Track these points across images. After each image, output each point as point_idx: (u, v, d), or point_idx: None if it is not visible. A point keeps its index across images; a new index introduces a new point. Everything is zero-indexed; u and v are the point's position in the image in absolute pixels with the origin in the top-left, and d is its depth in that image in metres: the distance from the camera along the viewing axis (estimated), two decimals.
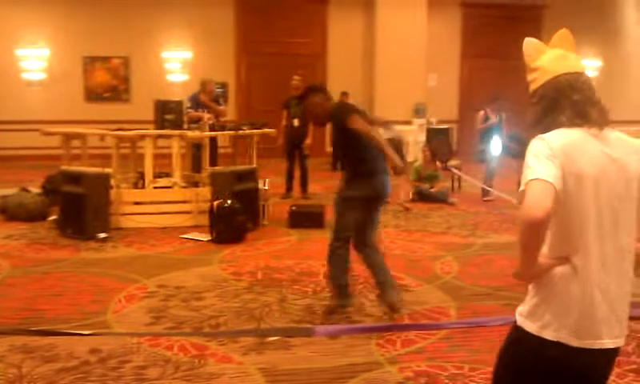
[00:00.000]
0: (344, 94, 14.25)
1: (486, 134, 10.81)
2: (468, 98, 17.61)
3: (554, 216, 1.99)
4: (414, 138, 15.43)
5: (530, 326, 2.12)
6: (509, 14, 17.49)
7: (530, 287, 2.17)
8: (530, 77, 2.23)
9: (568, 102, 2.10)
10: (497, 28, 17.39)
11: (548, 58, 2.19)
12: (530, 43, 2.26)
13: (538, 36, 2.30)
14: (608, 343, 2.08)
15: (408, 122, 15.66)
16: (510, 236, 7.86)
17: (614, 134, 2.11)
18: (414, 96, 15.87)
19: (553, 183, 1.95)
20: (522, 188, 1.99)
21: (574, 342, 2.05)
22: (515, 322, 2.20)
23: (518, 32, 18.98)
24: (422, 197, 10.31)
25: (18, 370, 3.93)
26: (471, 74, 17.67)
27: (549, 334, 2.08)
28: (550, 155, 1.99)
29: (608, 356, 2.13)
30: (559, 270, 2.07)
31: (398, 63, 15.65)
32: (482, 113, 10.96)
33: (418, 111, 16.15)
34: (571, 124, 2.07)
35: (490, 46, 17.43)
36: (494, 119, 10.79)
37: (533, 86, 2.21)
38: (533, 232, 1.96)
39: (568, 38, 2.23)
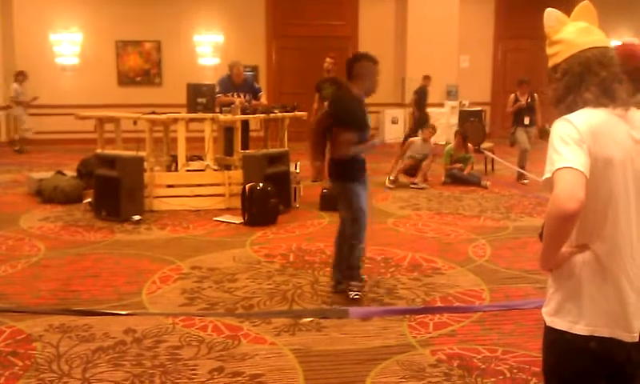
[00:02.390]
0: (426, 77, 14.31)
1: (517, 116, 10.72)
2: (501, 80, 17.44)
3: None
4: (447, 120, 15.33)
5: (561, 324, 2.00)
6: None
7: (550, 282, 2.05)
8: (550, 50, 2.06)
9: (595, 79, 1.94)
10: (530, 9, 17.07)
11: (572, 30, 2.03)
12: (551, 13, 2.09)
13: (570, 16, 2.15)
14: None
15: (440, 105, 15.56)
16: (543, 219, 7.77)
17: (638, 115, 1.98)
18: (446, 78, 15.76)
19: (584, 172, 1.82)
20: (547, 175, 1.87)
21: (607, 333, 1.94)
22: (545, 324, 2.08)
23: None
24: (454, 179, 10.24)
25: (56, 349, 4.00)
26: (505, 56, 17.47)
27: (581, 329, 1.96)
28: (578, 140, 1.85)
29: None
30: (581, 260, 1.95)
31: (430, 45, 15.52)
32: (512, 96, 10.88)
33: (451, 93, 16.03)
34: (597, 103, 1.92)
35: (524, 27, 17.16)
36: (523, 102, 10.65)
37: (555, 60, 2.03)
38: (565, 224, 1.84)
39: (591, 11, 2.08)
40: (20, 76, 14.45)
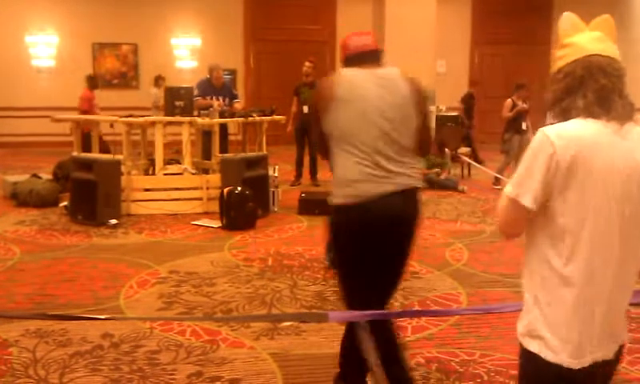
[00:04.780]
0: (473, 83, 14.50)
1: (514, 122, 10.39)
2: (479, 85, 17.55)
3: (550, 223, 1.89)
4: None
5: (532, 345, 1.96)
6: (519, 0, 17.38)
7: (526, 298, 2.01)
8: (558, 53, 2.02)
9: (594, 85, 1.88)
10: (507, 14, 17.31)
11: (584, 37, 1.98)
12: (568, 18, 2.05)
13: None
14: (609, 354, 1.94)
15: None
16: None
17: (636, 130, 1.89)
18: (423, 83, 15.78)
19: (529, 207, 1.86)
20: (508, 189, 1.91)
21: (575, 365, 1.88)
22: (520, 344, 2.03)
23: (528, 18, 18.94)
24: (431, 184, 10.29)
25: (32, 354, 3.96)
26: (482, 61, 17.61)
27: (549, 356, 1.90)
28: (548, 159, 1.82)
29: (610, 364, 1.98)
30: (554, 282, 1.90)
31: (407, 50, 15.54)
32: (509, 101, 10.50)
33: (427, 98, 16.10)
34: (588, 112, 1.86)
35: (500, 33, 17.37)
36: (526, 106, 10.39)
37: (559, 63, 1.99)
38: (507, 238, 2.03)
39: (610, 25, 2.01)
40: (160, 80, 14.21)
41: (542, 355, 1.92)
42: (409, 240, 3.20)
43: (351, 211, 3.08)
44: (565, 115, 1.91)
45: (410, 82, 3.17)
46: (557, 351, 1.90)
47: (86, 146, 9.37)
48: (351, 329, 3.35)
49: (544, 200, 1.87)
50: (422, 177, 3.30)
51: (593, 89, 1.88)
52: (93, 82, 12.60)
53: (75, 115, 10.06)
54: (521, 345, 2.01)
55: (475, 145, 13.41)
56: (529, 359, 1.99)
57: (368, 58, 3.23)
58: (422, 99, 3.20)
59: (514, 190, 1.91)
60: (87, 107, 11.92)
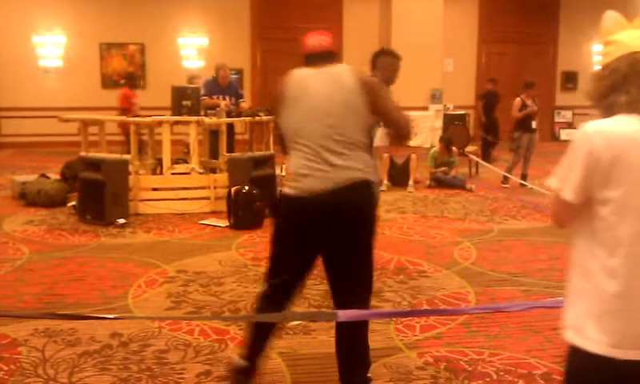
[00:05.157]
0: (492, 80, 14.23)
1: (524, 121, 10.31)
2: (485, 84, 17.51)
3: (594, 216, 1.90)
4: (431, 123, 15.38)
5: (575, 338, 1.95)
6: None
7: (569, 290, 2.00)
8: (603, 50, 2.05)
9: (637, 82, 1.90)
10: (514, 13, 17.26)
11: (628, 34, 1.98)
12: (611, 15, 2.06)
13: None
14: None
15: (424, 108, 15.61)
16: (528, 222, 7.83)
17: None
18: (430, 82, 15.80)
19: (573, 202, 1.90)
20: (552, 182, 1.94)
21: (619, 355, 1.86)
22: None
23: (536, 17, 18.88)
24: (438, 183, 10.29)
25: (42, 353, 3.97)
26: (489, 59, 17.56)
27: (593, 347, 1.89)
28: (587, 155, 1.85)
29: None
30: (598, 274, 1.90)
31: (414, 48, 15.53)
32: (518, 100, 10.41)
33: (435, 97, 16.08)
34: (631, 109, 1.89)
35: (508, 31, 17.32)
36: (535, 107, 10.35)
37: (605, 60, 2.01)
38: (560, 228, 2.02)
39: None
40: (195, 79, 14.12)
41: (585, 347, 1.91)
42: (357, 234, 3.23)
43: (295, 202, 3.21)
44: (609, 111, 1.94)
45: (357, 76, 3.23)
46: (600, 343, 1.88)
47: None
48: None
49: (586, 194, 1.90)
50: (372, 170, 3.35)
51: (637, 85, 1.90)
52: (132, 80, 12.50)
53: (82, 115, 10.07)
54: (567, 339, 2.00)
55: (492, 142, 13.25)
56: (572, 352, 1.98)
57: (320, 57, 3.35)
58: (371, 91, 3.22)
59: (557, 184, 1.96)
60: (127, 106, 11.92)
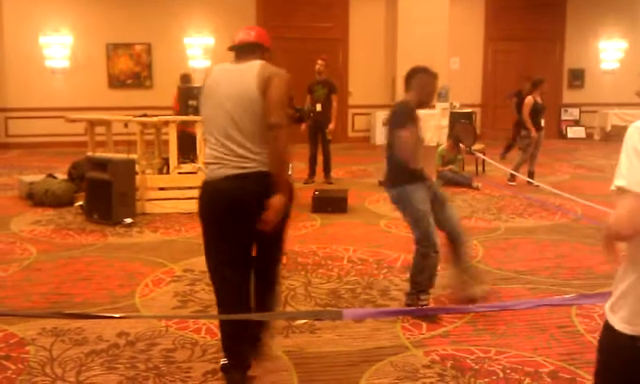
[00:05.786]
0: (528, 79, 13.83)
1: (532, 119, 10.19)
2: (491, 82, 17.50)
3: None
4: (437, 122, 15.35)
5: (611, 319, 2.04)
6: None
7: (616, 279, 2.08)
8: None
9: None
10: (520, 10, 17.22)
11: None
12: None
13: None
14: None
15: (431, 106, 15.59)
16: (535, 220, 7.82)
17: None
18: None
19: None
20: (615, 185, 1.90)
21: None
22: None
23: (542, 14, 18.81)
24: (445, 181, 10.27)
25: (49, 352, 3.99)
26: (495, 57, 17.52)
27: (624, 328, 1.98)
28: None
29: None
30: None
31: (420, 47, 15.53)
32: (530, 99, 10.26)
33: (441, 95, 16.04)
34: None
35: (514, 29, 17.28)
36: (541, 103, 10.29)
37: None
38: (617, 241, 1.92)
39: None
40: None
41: (616, 327, 2.01)
42: (253, 219, 3.40)
43: (204, 188, 3.56)
44: None
45: (261, 71, 3.40)
46: (632, 323, 1.97)
47: (183, 146, 9.43)
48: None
49: None
50: (265, 160, 3.43)
51: None
52: (187, 79, 12.36)
53: (89, 115, 10.10)
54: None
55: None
56: (605, 330, 2.08)
57: (242, 51, 3.62)
58: (269, 85, 3.37)
59: (630, 185, 1.87)
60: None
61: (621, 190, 1.87)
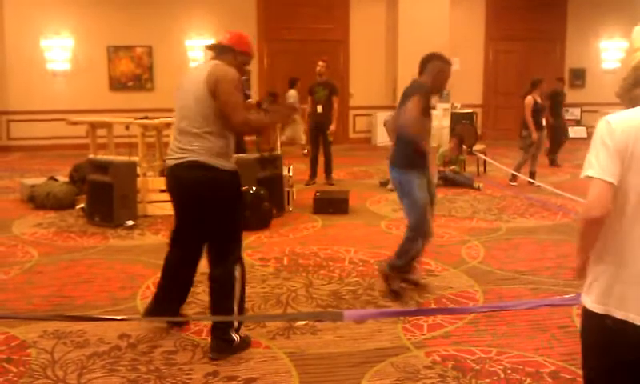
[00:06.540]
0: (560, 80, 13.67)
1: (532, 119, 10.14)
2: (493, 82, 17.49)
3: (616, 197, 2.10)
4: (439, 122, 15.35)
5: (586, 301, 2.24)
6: None
7: (590, 265, 2.26)
8: (630, 57, 2.46)
9: None
10: (521, 10, 17.21)
11: None
12: (638, 30, 2.59)
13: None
14: None
15: (432, 107, 15.60)
16: (536, 220, 7.82)
17: None
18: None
19: (613, 183, 2.06)
20: (583, 174, 2.12)
21: (619, 314, 2.12)
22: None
23: (543, 14, 18.79)
24: (446, 182, 10.27)
25: (51, 355, 4.00)
26: (496, 58, 17.51)
27: (598, 308, 2.17)
28: (613, 143, 2.08)
29: None
30: (610, 249, 2.16)
31: (421, 47, 15.30)
32: (530, 99, 10.17)
33: (442, 95, 16.03)
34: None
35: (514, 29, 17.27)
36: (541, 103, 10.26)
37: (632, 63, 2.36)
38: (591, 229, 2.14)
39: None
40: (296, 80, 14.14)
41: (588, 306, 2.23)
42: (196, 203, 3.94)
43: (166, 173, 4.11)
44: (632, 104, 2.23)
45: (211, 72, 3.79)
46: (602, 303, 2.18)
47: (239, 147, 9.41)
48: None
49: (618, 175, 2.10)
50: (219, 153, 3.85)
51: None
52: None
53: (90, 118, 10.10)
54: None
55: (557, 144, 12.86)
56: (582, 315, 2.31)
57: (215, 51, 4.05)
58: (216, 84, 3.76)
59: (596, 173, 2.12)
60: None
61: (590, 179, 2.11)
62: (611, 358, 2.18)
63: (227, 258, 3.98)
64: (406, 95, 4.79)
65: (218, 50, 4.01)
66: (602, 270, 2.17)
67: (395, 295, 5.01)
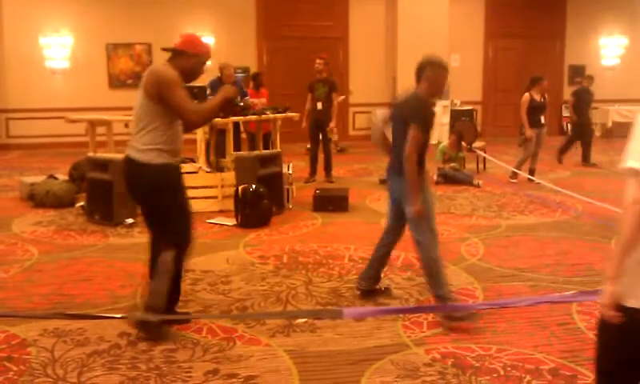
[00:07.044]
0: (589, 77, 13.41)
1: (532, 117, 10.08)
2: (492, 79, 17.47)
3: None
4: (438, 119, 15.35)
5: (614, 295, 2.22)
6: None
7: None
8: None
9: None
10: (520, 7, 17.19)
11: None
12: None
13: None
14: None
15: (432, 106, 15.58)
16: (536, 218, 7.82)
17: None
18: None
19: None
20: (626, 164, 2.06)
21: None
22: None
23: (542, 11, 18.77)
24: (446, 179, 10.27)
25: (51, 353, 4.00)
26: (495, 55, 17.49)
27: (630, 302, 2.18)
28: None
29: None
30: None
31: (420, 45, 15.43)
32: (527, 96, 10.15)
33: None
34: None
35: (514, 26, 17.24)
36: (539, 100, 10.20)
37: None
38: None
39: None
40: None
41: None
42: (138, 192, 4.24)
43: None
44: None
45: (149, 75, 4.09)
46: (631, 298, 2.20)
47: (265, 146, 9.57)
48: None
49: None
50: (156, 150, 4.07)
51: None
52: (257, 80, 12.09)
53: (89, 116, 10.11)
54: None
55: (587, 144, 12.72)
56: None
57: (170, 53, 4.31)
58: (154, 85, 4.03)
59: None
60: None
61: (633, 172, 2.04)
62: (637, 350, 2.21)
63: (164, 246, 4.25)
64: (405, 116, 4.64)
65: (172, 54, 4.27)
66: (632, 263, 2.16)
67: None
